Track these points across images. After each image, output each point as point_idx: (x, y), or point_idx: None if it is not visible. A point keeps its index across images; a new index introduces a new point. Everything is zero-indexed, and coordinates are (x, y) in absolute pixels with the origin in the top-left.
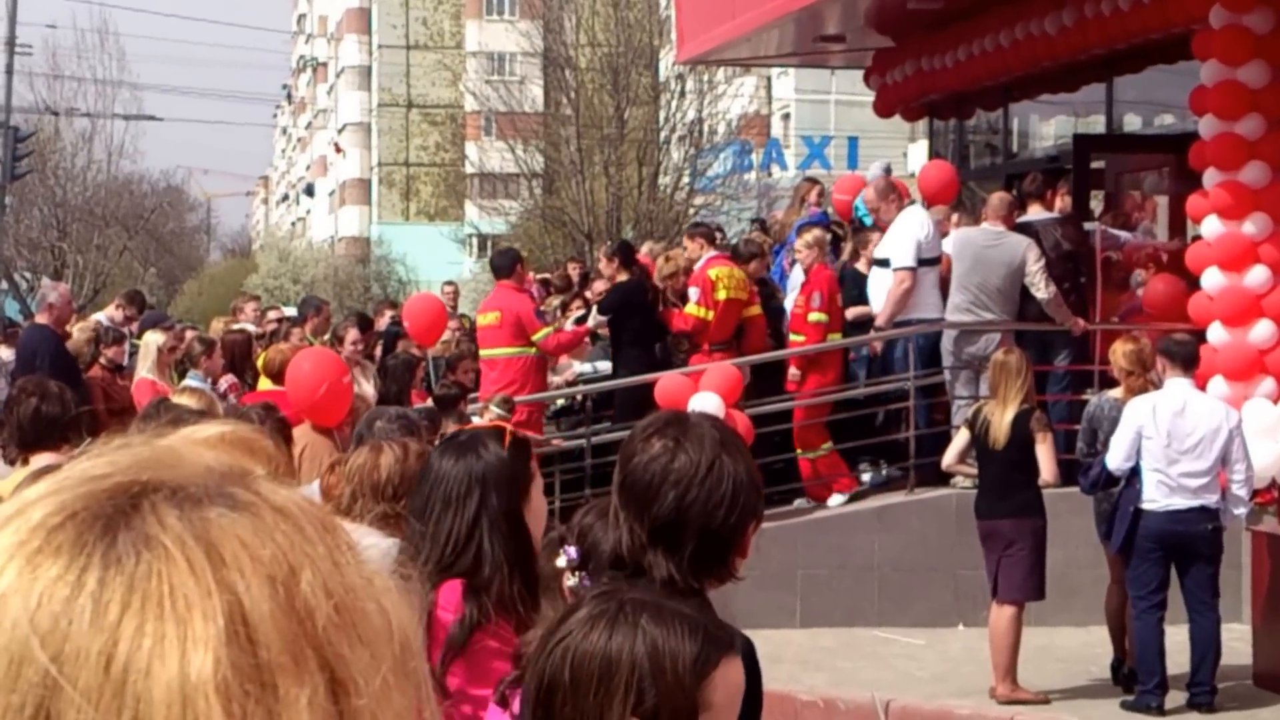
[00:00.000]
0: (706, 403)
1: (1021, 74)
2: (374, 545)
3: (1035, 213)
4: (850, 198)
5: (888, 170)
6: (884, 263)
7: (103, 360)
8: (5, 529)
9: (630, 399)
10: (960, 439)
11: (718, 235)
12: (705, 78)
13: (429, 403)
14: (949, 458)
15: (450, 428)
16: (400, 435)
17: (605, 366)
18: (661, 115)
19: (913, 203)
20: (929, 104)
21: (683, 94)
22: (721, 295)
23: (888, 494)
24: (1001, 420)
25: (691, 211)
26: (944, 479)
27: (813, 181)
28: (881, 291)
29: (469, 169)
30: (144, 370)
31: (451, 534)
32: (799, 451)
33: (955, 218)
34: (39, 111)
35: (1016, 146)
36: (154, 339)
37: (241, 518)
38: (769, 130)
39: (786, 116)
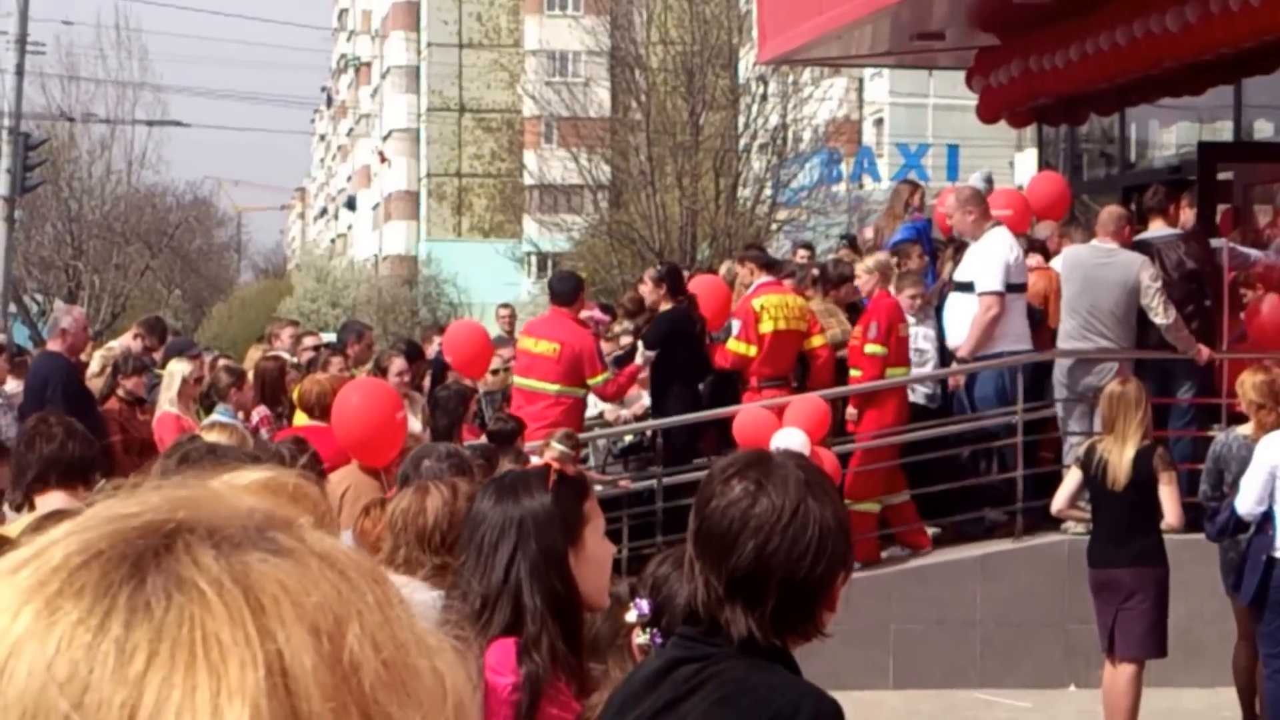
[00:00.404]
0: (790, 439)
1: (1140, 75)
2: (420, 600)
3: (1157, 229)
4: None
5: (989, 181)
6: (966, 286)
7: (120, 392)
8: (22, 570)
9: (680, 439)
10: (1071, 480)
11: (802, 253)
12: (790, 79)
13: (483, 439)
14: (1059, 501)
15: (506, 466)
16: (451, 475)
17: None
18: (741, 121)
19: (998, 224)
20: (1038, 109)
21: (764, 97)
22: (768, 327)
23: (991, 540)
24: (1120, 458)
25: (774, 227)
26: (1053, 523)
27: (913, 185)
28: (960, 318)
29: (527, 180)
30: (166, 403)
31: (488, 584)
32: (849, 503)
33: (1059, 235)
34: (52, 117)
35: (1134, 156)
36: (179, 368)
37: (284, 563)
38: (860, 137)
39: (880, 122)
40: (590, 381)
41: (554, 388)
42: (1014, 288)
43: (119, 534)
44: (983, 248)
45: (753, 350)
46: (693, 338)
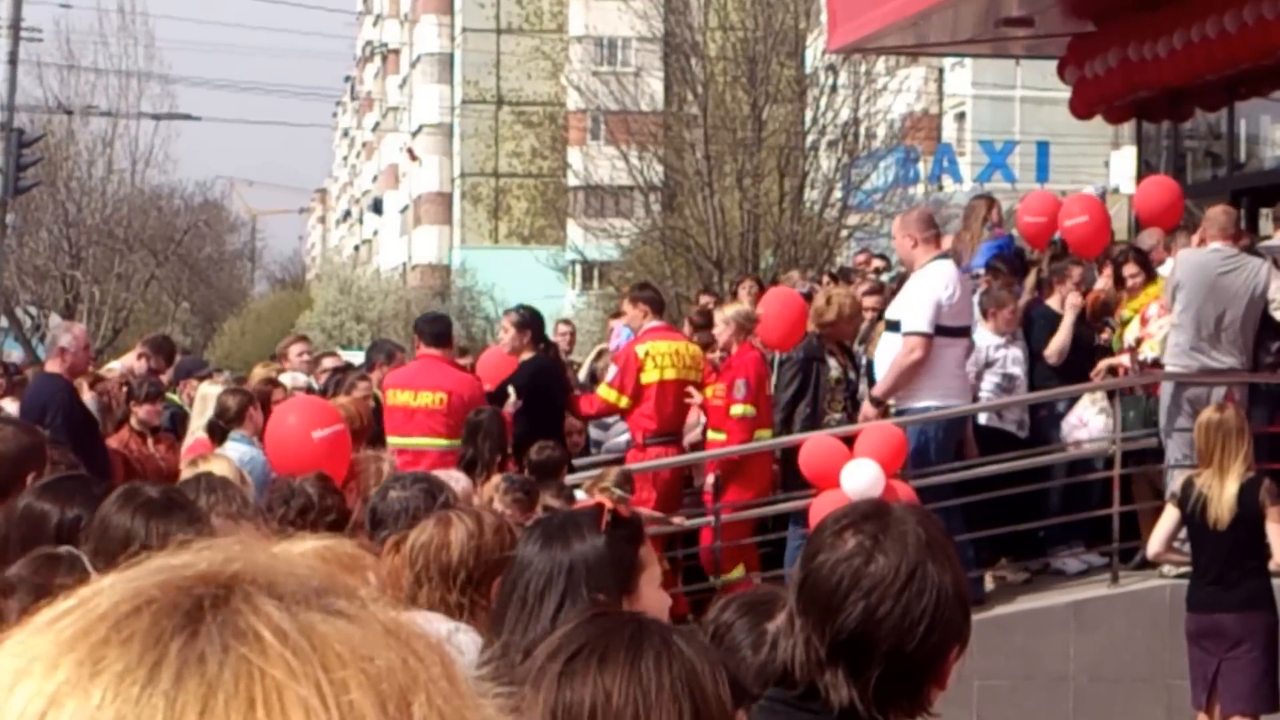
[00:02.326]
0: (863, 473)
1: (1250, 67)
2: (457, 639)
3: None
4: (1044, 220)
5: (1103, 194)
6: (895, 325)
7: (133, 422)
8: (63, 620)
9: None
10: (1168, 518)
11: (878, 262)
12: (862, 69)
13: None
14: (1156, 543)
15: (548, 500)
16: (423, 504)
17: None
18: (808, 115)
19: (944, 256)
20: (1137, 103)
21: (834, 89)
22: (652, 377)
23: (1085, 585)
24: (1222, 493)
25: (844, 233)
26: (1149, 565)
27: (990, 199)
28: (887, 359)
29: (572, 181)
30: (200, 429)
31: (533, 637)
32: (712, 579)
33: (1163, 244)
34: (49, 110)
35: (1244, 155)
36: (211, 390)
37: (349, 626)
38: (940, 134)
39: (961, 117)
40: None
41: (442, 442)
42: (948, 331)
43: (171, 583)
44: (916, 283)
45: (624, 401)
46: (557, 387)
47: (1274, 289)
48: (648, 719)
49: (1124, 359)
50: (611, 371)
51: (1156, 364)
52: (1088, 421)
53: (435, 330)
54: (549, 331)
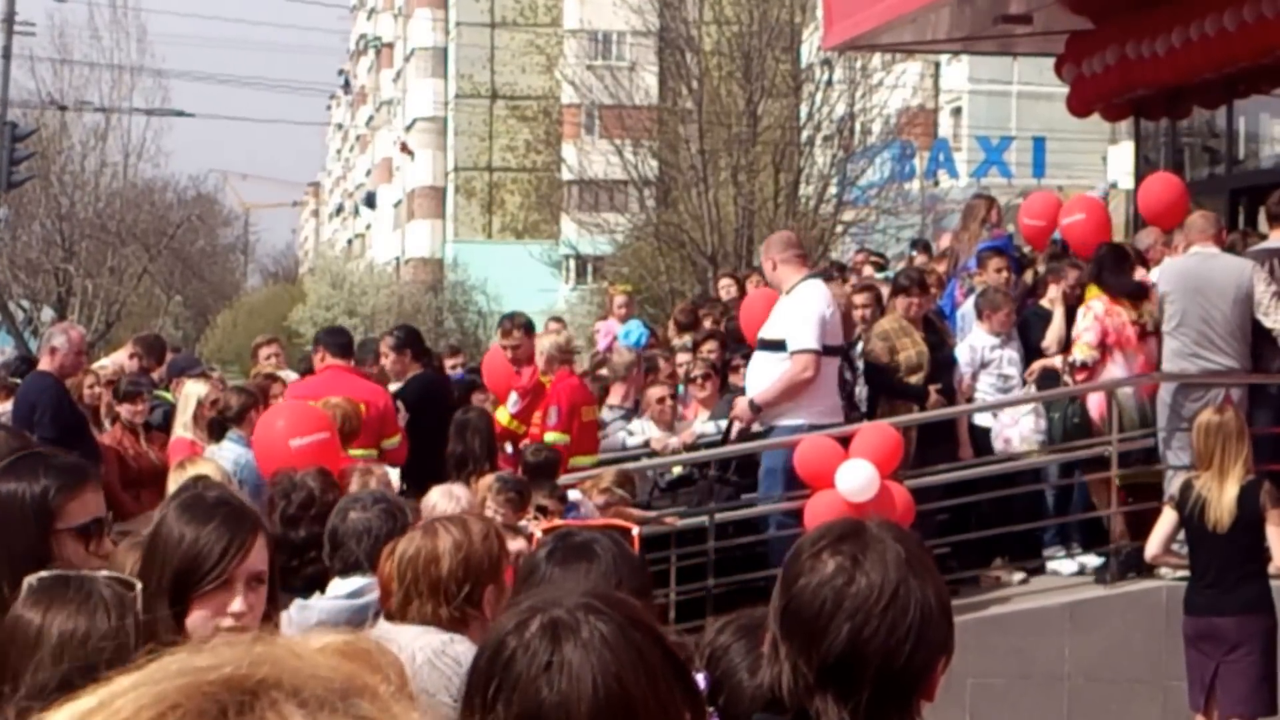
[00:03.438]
0: (858, 473)
1: (1249, 64)
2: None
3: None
4: (1044, 222)
5: (1105, 195)
6: (772, 345)
7: (123, 420)
8: None
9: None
10: (1166, 521)
11: (869, 271)
12: (858, 64)
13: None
14: (1154, 546)
15: (541, 500)
16: (385, 525)
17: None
18: (803, 110)
19: (812, 276)
20: (1135, 100)
21: (829, 83)
22: (589, 416)
23: (1081, 587)
24: (1222, 496)
25: (839, 229)
26: (1146, 566)
27: (989, 200)
28: (760, 379)
29: (566, 175)
30: (181, 427)
31: None
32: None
33: (1160, 244)
34: (41, 104)
35: (1243, 153)
36: (195, 390)
37: None
38: (936, 129)
39: (958, 112)
40: (386, 443)
41: (360, 453)
42: (827, 350)
43: (196, 687)
44: (794, 302)
45: (567, 439)
46: (443, 405)
47: (1259, 291)
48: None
49: (1057, 360)
50: (554, 413)
51: (1084, 366)
52: (1018, 420)
53: (340, 342)
54: (544, 334)
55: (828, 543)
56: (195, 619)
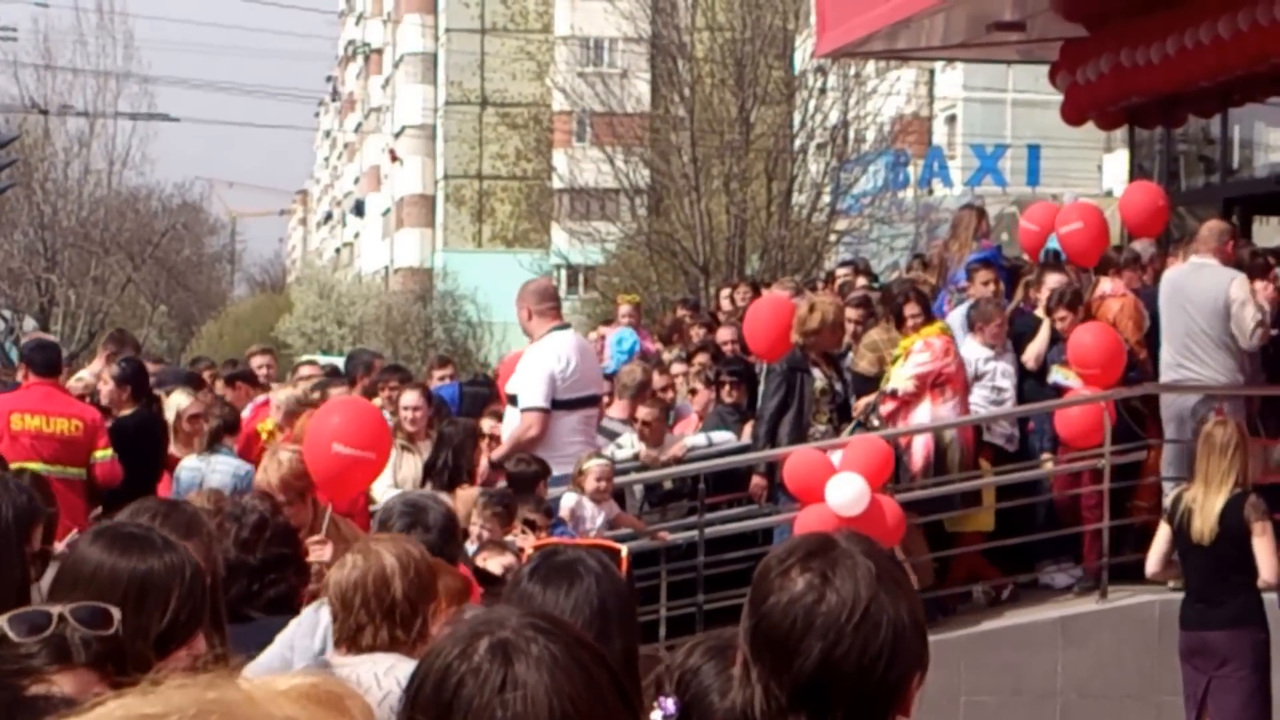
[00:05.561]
0: (848, 486)
1: (1244, 72)
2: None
3: None
4: (1041, 230)
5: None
6: (511, 399)
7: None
8: None
9: None
10: (1162, 536)
11: (861, 282)
12: (851, 71)
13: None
14: (1153, 562)
15: (528, 515)
16: (409, 530)
17: (721, 438)
18: (796, 117)
19: (565, 326)
20: (1129, 109)
21: (823, 91)
22: None
23: (1073, 601)
24: (1206, 509)
25: (832, 238)
26: (1142, 580)
27: (980, 211)
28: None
29: (557, 183)
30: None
31: None
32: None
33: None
34: (24, 109)
35: (1237, 161)
36: (177, 401)
37: None
38: (930, 137)
39: (952, 120)
40: (98, 455)
41: (73, 471)
42: (565, 404)
43: None
44: (532, 357)
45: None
46: (153, 446)
47: (1234, 295)
48: None
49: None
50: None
51: (894, 395)
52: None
53: (48, 359)
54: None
55: (796, 559)
56: None
